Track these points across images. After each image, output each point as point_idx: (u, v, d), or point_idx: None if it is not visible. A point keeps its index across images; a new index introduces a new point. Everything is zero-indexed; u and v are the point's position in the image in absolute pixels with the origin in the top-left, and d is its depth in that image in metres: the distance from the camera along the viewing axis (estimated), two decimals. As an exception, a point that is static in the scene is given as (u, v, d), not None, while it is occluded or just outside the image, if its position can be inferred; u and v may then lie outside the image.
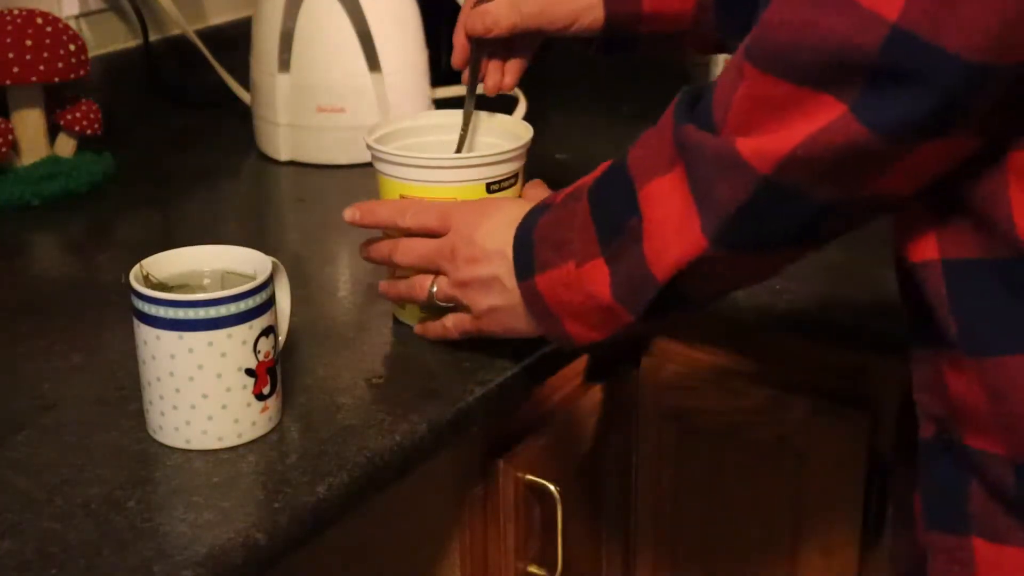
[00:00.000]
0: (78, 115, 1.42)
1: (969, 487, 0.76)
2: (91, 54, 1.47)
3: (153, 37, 1.61)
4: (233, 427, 0.89)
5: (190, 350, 0.87)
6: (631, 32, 1.11)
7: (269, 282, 0.90)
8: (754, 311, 1.15)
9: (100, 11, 1.57)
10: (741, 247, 0.79)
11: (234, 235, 1.12)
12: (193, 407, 0.88)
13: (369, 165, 1.07)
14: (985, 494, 0.76)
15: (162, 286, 0.91)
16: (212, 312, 0.86)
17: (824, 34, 0.69)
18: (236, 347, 0.87)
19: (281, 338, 0.94)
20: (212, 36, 1.64)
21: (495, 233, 0.94)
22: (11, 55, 1.34)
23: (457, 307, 0.99)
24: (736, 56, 0.75)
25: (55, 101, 1.41)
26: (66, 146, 1.43)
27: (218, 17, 1.70)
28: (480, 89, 1.12)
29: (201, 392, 0.88)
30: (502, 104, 1.16)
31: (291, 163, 1.51)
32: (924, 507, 0.81)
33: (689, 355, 1.25)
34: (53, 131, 1.43)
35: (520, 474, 1.11)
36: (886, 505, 1.18)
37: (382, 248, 1.02)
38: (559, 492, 1.12)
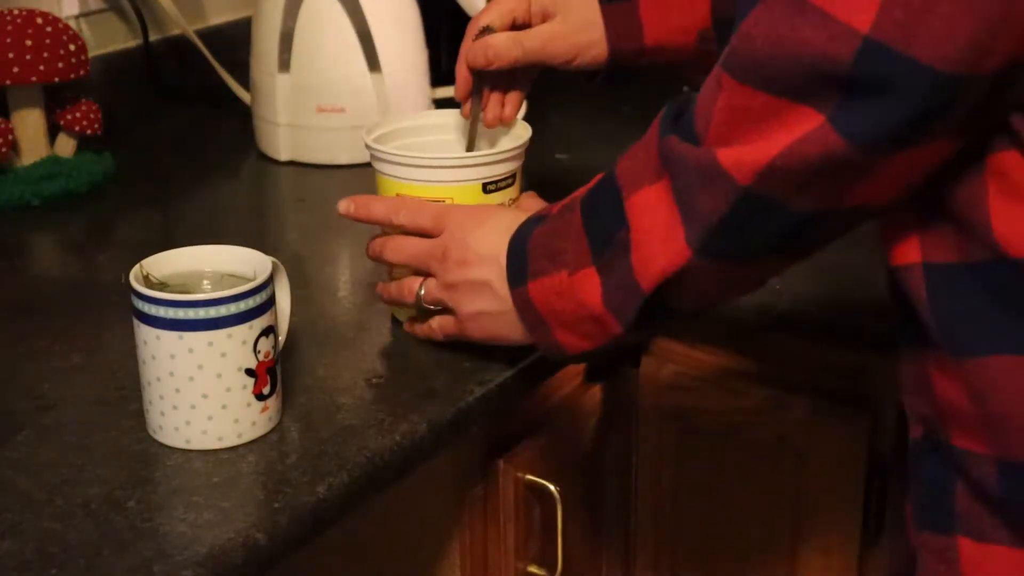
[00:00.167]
0: (78, 115, 1.42)
1: (955, 487, 0.77)
2: (91, 54, 1.47)
3: (153, 37, 1.60)
4: (233, 427, 0.89)
5: (190, 350, 0.87)
6: (634, 65, 1.11)
7: (269, 282, 0.90)
8: (754, 311, 1.15)
9: (100, 11, 1.57)
10: (725, 257, 0.80)
11: (234, 235, 1.12)
12: (193, 407, 0.88)
13: (369, 165, 1.07)
14: (971, 494, 0.76)
15: (162, 286, 0.91)
16: (212, 312, 0.86)
17: (800, 46, 0.69)
18: (236, 347, 0.87)
19: (281, 338, 0.94)
20: (212, 36, 1.64)
21: (489, 238, 0.94)
22: (11, 55, 1.34)
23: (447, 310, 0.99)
24: (716, 68, 0.76)
25: (55, 101, 1.41)
26: (66, 146, 1.43)
27: (218, 17, 1.70)
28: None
29: (201, 392, 0.88)
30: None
31: (291, 163, 1.51)
32: (914, 508, 0.81)
33: (689, 355, 1.25)
34: (53, 131, 1.43)
35: (520, 474, 1.11)
36: (886, 505, 1.18)
37: (375, 244, 1.03)
38: (559, 492, 1.12)
